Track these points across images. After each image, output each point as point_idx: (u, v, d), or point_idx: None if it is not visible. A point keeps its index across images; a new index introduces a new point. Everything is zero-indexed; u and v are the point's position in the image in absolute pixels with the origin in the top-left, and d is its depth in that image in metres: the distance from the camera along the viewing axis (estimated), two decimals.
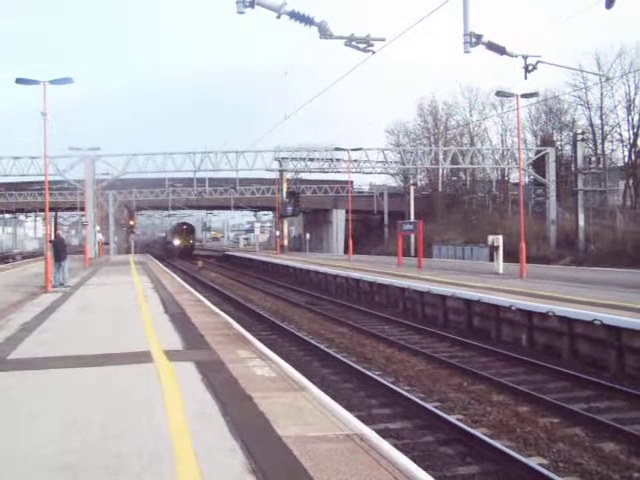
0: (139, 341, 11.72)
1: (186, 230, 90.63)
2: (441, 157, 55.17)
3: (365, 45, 17.44)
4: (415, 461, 8.05)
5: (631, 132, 54.48)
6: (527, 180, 58.98)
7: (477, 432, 9.43)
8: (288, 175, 63.79)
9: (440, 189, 67.36)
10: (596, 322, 14.26)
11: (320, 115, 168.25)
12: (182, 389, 8.10)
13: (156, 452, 5.76)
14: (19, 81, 24.37)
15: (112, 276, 30.82)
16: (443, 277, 26.26)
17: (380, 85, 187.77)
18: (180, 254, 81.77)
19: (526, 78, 19.99)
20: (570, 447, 9.05)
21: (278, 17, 16.82)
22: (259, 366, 9.48)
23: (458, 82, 74.25)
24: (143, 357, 10.18)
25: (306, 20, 16.95)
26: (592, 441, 9.28)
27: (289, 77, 49.00)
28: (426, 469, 7.86)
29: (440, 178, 65.66)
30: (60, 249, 24.98)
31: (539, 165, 54.86)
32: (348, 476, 5.17)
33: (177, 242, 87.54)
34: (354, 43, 17.39)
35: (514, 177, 63.00)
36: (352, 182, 62.92)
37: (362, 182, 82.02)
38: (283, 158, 59.13)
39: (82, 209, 58.64)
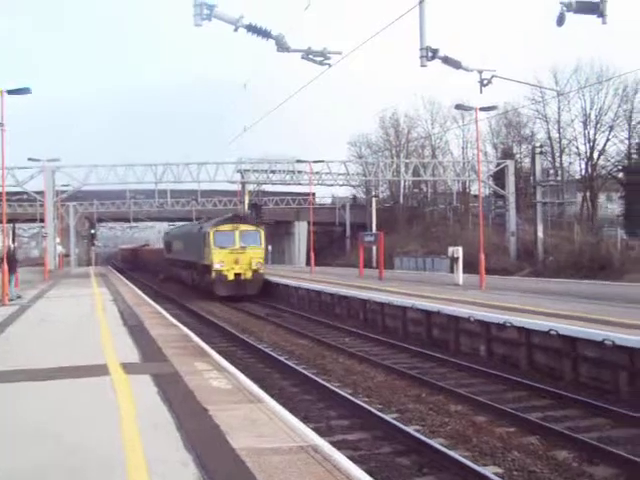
0: (96, 354, 11.61)
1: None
2: (403, 169, 55.57)
3: (322, 58, 17.60)
4: (371, 472, 8.13)
5: (587, 146, 55.47)
6: (487, 192, 59.66)
7: (434, 442, 9.48)
8: (250, 187, 63.75)
9: (402, 201, 67.87)
10: (552, 332, 14.44)
11: (282, 127, 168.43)
12: (137, 402, 8.04)
13: (108, 466, 5.72)
14: None
15: (71, 288, 30.45)
16: (404, 288, 26.39)
17: (343, 97, 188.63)
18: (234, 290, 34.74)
19: (481, 92, 20.34)
20: (525, 456, 9.14)
21: (235, 30, 16.91)
22: (216, 378, 9.45)
23: (420, 95, 75.07)
24: (99, 370, 10.09)
25: (263, 33, 17.04)
26: (546, 449, 9.39)
27: (249, 89, 49.10)
28: None
29: (402, 190, 66.15)
30: (11, 262, 24.67)
31: (499, 177, 55.50)
32: None
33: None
34: (311, 56, 17.53)
35: (475, 189, 63.62)
36: (314, 194, 63.07)
37: (324, 194, 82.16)
38: (245, 170, 59.07)
39: (42, 220, 57.87)
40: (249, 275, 34.66)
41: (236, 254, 34.70)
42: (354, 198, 72.20)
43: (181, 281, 46.99)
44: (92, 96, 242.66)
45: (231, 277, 34.37)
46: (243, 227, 35.68)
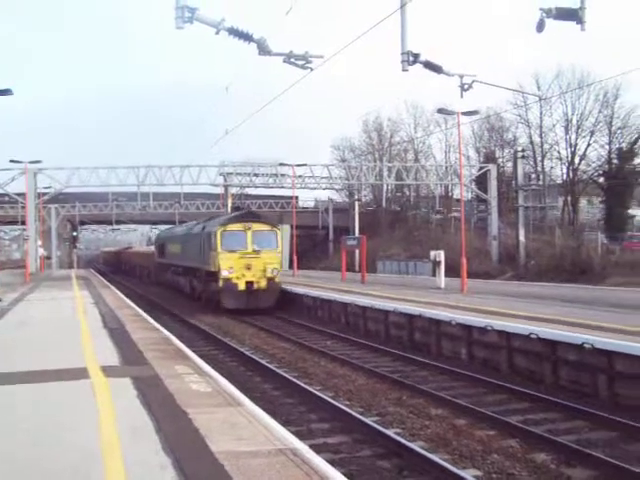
0: (76, 357, 11.55)
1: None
2: (385, 173, 55.71)
3: (304, 62, 17.65)
4: (352, 475, 8.18)
5: (569, 150, 55.85)
6: (470, 196, 59.92)
7: (414, 445, 9.52)
8: (233, 190, 63.69)
9: (384, 205, 67.97)
10: (532, 336, 14.54)
11: (265, 131, 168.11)
12: (117, 405, 8.02)
13: (86, 470, 5.70)
14: None
15: (53, 291, 30.26)
16: (386, 292, 26.44)
17: (326, 101, 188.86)
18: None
19: (462, 97, 20.48)
20: (504, 458, 9.20)
21: (217, 33, 16.92)
22: (196, 382, 9.43)
23: (403, 99, 75.26)
24: (79, 373, 10.05)
25: (245, 37, 17.08)
26: (525, 452, 9.44)
27: (232, 92, 49.09)
28: None
29: (384, 194, 66.29)
30: None
31: (482, 181, 55.76)
32: None
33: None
34: (292, 60, 17.58)
35: (457, 193, 63.91)
36: (297, 197, 63.14)
37: (307, 197, 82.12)
38: (228, 173, 58.98)
39: (23, 223, 57.50)
40: (263, 284, 29.06)
41: (248, 259, 29.08)
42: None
43: (177, 289, 41.01)
44: (74, 99, 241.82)
45: (242, 286, 28.72)
46: (257, 226, 29.83)
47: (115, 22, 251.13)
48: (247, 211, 35.91)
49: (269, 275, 29.17)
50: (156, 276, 50.94)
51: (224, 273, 28.74)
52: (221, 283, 28.87)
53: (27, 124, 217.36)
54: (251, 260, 29.09)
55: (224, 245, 29.23)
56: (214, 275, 29.66)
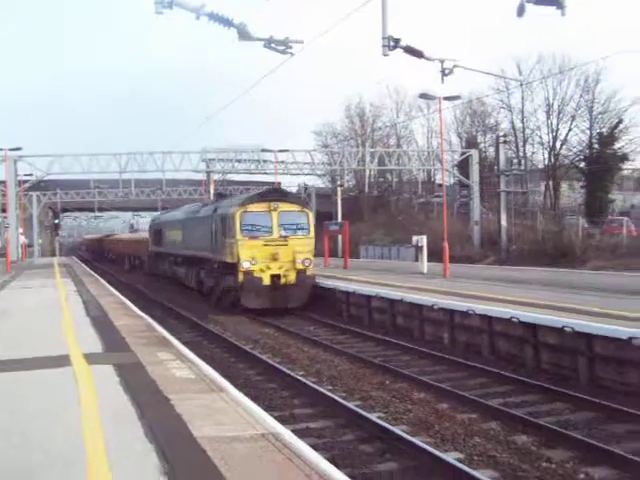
0: (58, 345, 11.52)
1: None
2: (368, 158, 55.60)
3: (284, 47, 17.62)
4: (334, 459, 8.22)
5: (550, 135, 55.99)
6: (452, 181, 60.01)
7: (397, 429, 9.59)
8: (215, 176, 63.39)
9: (367, 190, 67.94)
10: (514, 320, 14.65)
11: (247, 116, 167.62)
12: (99, 392, 8.02)
13: (68, 458, 5.70)
14: None
15: (34, 279, 30.09)
16: (369, 277, 26.52)
17: (308, 87, 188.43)
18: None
19: (443, 82, 20.50)
20: (486, 441, 9.29)
21: (197, 18, 16.85)
22: (179, 368, 9.45)
23: (385, 84, 75.08)
24: (61, 361, 10.02)
25: (225, 22, 17.01)
26: (506, 434, 9.55)
27: (214, 77, 48.70)
28: (345, 467, 8.04)
29: (367, 179, 66.22)
30: None
31: (464, 166, 55.81)
32: (260, 474, 5.23)
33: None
34: (273, 45, 17.54)
35: (440, 178, 63.97)
36: (280, 183, 62.98)
37: (290, 183, 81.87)
38: (210, 159, 58.67)
39: (4, 211, 57.05)
40: (292, 278, 23.99)
41: (274, 247, 23.98)
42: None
43: (176, 282, 35.44)
44: (57, 86, 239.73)
45: (267, 281, 23.70)
46: (284, 206, 24.50)
47: (100, 7, 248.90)
48: (272, 187, 29.17)
49: (299, 266, 24.08)
50: (150, 267, 45.40)
51: (245, 265, 23.45)
52: (241, 277, 23.53)
53: (7, 110, 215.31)
54: (278, 248, 23.99)
55: (244, 230, 23.98)
56: (231, 267, 24.44)
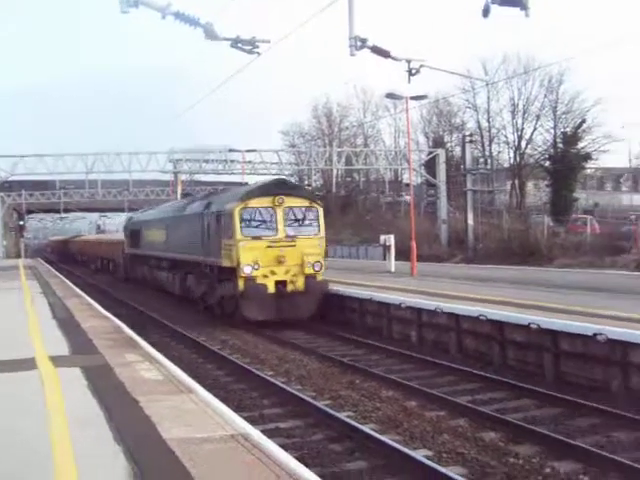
0: (24, 348, 11.38)
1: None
2: (335, 158, 55.67)
3: (251, 47, 17.57)
4: (304, 458, 8.24)
5: (515, 135, 56.66)
6: (419, 180, 60.31)
7: (365, 428, 9.63)
8: (183, 177, 63.01)
9: (334, 190, 68.03)
10: (482, 317, 14.79)
11: (216, 115, 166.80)
12: (66, 396, 7.94)
13: (34, 463, 5.64)
14: None
15: None
16: (336, 277, 26.52)
17: (275, 87, 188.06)
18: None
19: (409, 82, 20.64)
20: (454, 438, 9.38)
21: (163, 17, 16.74)
22: (147, 369, 9.40)
23: (352, 84, 75.26)
24: (26, 364, 9.90)
25: (191, 21, 16.93)
26: (474, 431, 9.64)
27: (182, 77, 48.44)
28: (314, 466, 8.06)
29: (334, 179, 66.30)
30: None
31: (431, 166, 56.08)
32: (230, 475, 5.23)
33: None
34: (240, 45, 17.50)
35: (407, 177, 64.26)
36: (247, 184, 62.82)
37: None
38: (177, 160, 58.32)
39: None
40: (300, 284, 20.82)
41: (279, 248, 20.68)
42: None
43: (157, 288, 31.89)
44: (23, 86, 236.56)
45: (271, 288, 20.41)
46: (291, 201, 21.26)
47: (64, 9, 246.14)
48: (277, 179, 25.69)
49: (309, 271, 20.95)
50: (126, 270, 41.24)
51: (246, 270, 20.07)
52: (241, 284, 20.15)
53: None
54: (284, 250, 20.70)
55: (245, 229, 20.66)
56: (229, 273, 21.16)
